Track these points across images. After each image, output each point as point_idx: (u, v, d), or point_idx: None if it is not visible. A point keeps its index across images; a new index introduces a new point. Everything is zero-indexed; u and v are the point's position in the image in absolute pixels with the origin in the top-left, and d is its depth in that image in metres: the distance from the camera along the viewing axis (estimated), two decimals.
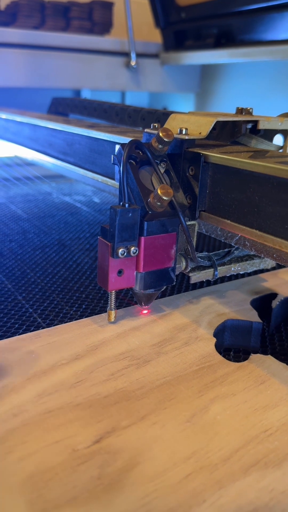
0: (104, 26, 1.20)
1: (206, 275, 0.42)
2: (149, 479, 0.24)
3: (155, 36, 1.20)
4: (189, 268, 0.41)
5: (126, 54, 1.16)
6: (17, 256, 0.62)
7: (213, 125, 0.36)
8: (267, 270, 0.51)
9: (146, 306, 0.41)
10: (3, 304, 0.47)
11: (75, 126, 0.52)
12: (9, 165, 1.07)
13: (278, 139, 0.44)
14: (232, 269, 0.44)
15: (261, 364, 0.34)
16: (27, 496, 0.23)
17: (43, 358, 0.34)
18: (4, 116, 0.77)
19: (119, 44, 1.15)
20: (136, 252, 0.35)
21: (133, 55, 1.14)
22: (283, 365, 0.34)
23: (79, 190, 1.03)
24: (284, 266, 0.54)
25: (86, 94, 1.33)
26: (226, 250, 0.44)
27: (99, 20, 1.18)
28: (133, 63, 1.14)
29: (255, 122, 0.40)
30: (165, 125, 0.40)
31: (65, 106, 0.78)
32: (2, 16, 1.14)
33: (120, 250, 0.35)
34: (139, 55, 1.16)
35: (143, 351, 0.35)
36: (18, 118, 0.70)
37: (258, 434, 0.27)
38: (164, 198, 0.33)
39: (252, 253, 0.45)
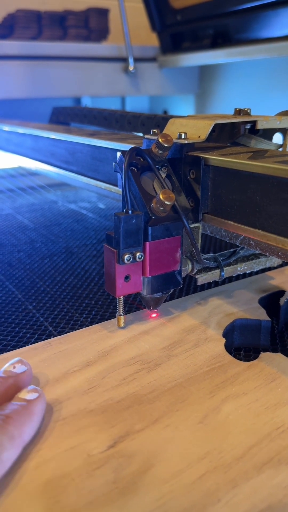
0: (100, 33, 1.21)
1: (212, 276, 0.43)
2: (163, 481, 0.24)
3: (153, 40, 1.21)
4: (195, 270, 0.42)
5: (124, 60, 1.16)
6: (26, 266, 0.63)
7: (211, 128, 0.37)
8: (274, 268, 0.51)
9: (155, 310, 0.41)
10: (14, 314, 0.48)
11: (76, 135, 0.53)
12: (13, 176, 1.09)
13: (278, 138, 0.44)
14: (239, 268, 0.44)
15: (271, 362, 0.34)
16: (44, 503, 0.23)
17: (55, 366, 0.34)
18: (6, 128, 0.78)
19: (116, 50, 1.16)
20: (141, 257, 0.36)
21: (131, 60, 1.15)
22: None
23: (84, 197, 1.04)
24: None
25: (86, 102, 1.34)
26: (231, 250, 0.45)
27: (95, 27, 1.19)
28: (131, 68, 1.15)
29: (254, 122, 0.41)
30: (164, 130, 0.41)
31: (65, 115, 0.79)
32: (0, 29, 1.16)
33: (126, 256, 0.35)
34: (137, 60, 1.17)
35: (154, 354, 0.36)
36: (20, 130, 0.71)
37: (270, 432, 0.27)
38: (167, 203, 0.33)
39: (257, 252, 0.45)
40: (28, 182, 1.07)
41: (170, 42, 1.14)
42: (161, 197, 0.33)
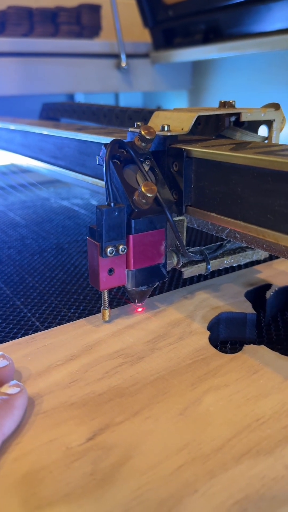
0: (93, 29, 1.20)
1: (198, 269, 0.42)
2: (141, 472, 0.24)
3: (145, 36, 1.21)
4: (181, 263, 0.42)
5: (117, 56, 1.16)
6: (15, 262, 0.62)
7: (194, 120, 0.37)
8: (261, 261, 0.51)
9: (140, 304, 0.41)
10: (1, 310, 0.48)
11: (64, 130, 0.53)
12: (5, 174, 1.08)
13: (263, 130, 0.44)
14: (225, 262, 0.44)
15: (254, 354, 0.34)
16: (21, 495, 0.23)
17: (39, 360, 0.34)
18: None
19: (108, 46, 1.15)
20: (124, 250, 0.36)
21: (123, 56, 1.14)
22: (276, 354, 0.34)
23: (77, 193, 1.04)
24: (278, 256, 0.54)
25: (79, 98, 1.33)
26: (218, 243, 0.45)
27: (87, 23, 1.19)
28: (123, 64, 1.14)
29: (238, 115, 0.41)
30: (149, 123, 0.41)
31: (55, 111, 0.78)
32: None
33: (108, 249, 0.35)
34: (129, 56, 1.16)
35: (137, 348, 0.36)
36: (10, 126, 0.71)
37: (250, 423, 0.27)
38: (148, 195, 0.33)
39: (244, 245, 0.45)
40: (20, 180, 1.06)
41: (162, 38, 1.14)
42: (143, 190, 0.33)
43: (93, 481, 0.24)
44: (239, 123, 0.42)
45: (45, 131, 0.58)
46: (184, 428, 0.27)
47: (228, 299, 0.43)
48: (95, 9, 1.19)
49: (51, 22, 1.18)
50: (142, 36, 1.22)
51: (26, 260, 0.63)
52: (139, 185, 0.36)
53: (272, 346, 0.36)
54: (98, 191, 0.54)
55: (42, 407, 0.29)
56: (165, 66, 1.20)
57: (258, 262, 0.53)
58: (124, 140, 0.36)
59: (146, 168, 0.37)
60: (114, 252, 0.35)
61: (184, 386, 0.31)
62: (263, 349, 0.35)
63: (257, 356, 0.34)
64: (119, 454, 0.25)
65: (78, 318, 0.45)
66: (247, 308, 0.42)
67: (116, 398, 0.30)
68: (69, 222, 0.82)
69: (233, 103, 0.41)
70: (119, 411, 0.29)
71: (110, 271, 0.37)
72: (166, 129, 0.37)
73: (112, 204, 0.34)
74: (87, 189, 0.57)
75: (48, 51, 1.11)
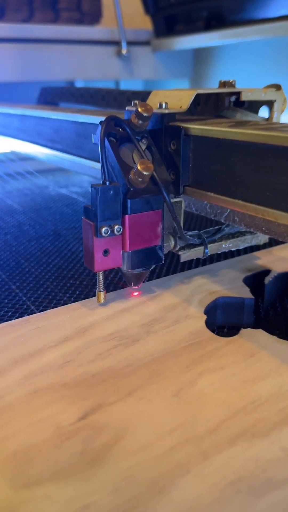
0: (93, 16, 1.19)
1: (196, 253, 0.42)
2: (132, 453, 0.23)
3: (147, 24, 1.19)
4: (178, 246, 0.41)
5: (117, 43, 1.14)
6: (12, 248, 0.62)
7: (193, 97, 0.36)
8: (260, 247, 0.50)
9: (136, 287, 0.41)
10: None
11: (60, 112, 0.52)
12: (3, 162, 1.07)
13: (264, 111, 0.43)
14: (223, 246, 0.43)
15: (252, 338, 0.33)
16: (9, 474, 0.22)
17: (32, 341, 0.34)
18: None
19: (109, 33, 1.14)
20: (120, 230, 0.35)
21: (123, 44, 1.13)
22: (274, 338, 0.33)
23: (75, 182, 1.03)
24: (277, 243, 0.53)
25: (79, 86, 1.32)
26: (216, 227, 0.44)
27: (88, 10, 1.17)
28: (124, 51, 1.13)
29: (238, 94, 0.40)
30: (147, 102, 0.40)
31: (54, 95, 0.77)
32: None
33: (103, 229, 0.34)
34: (130, 43, 1.15)
35: (132, 331, 0.35)
36: (7, 110, 0.69)
37: (246, 406, 0.27)
38: (145, 173, 0.32)
39: (243, 229, 0.44)
40: (17, 169, 1.05)
41: (164, 25, 1.12)
42: (139, 167, 0.32)
43: (83, 461, 0.23)
44: (239, 103, 0.41)
45: (43, 114, 0.57)
46: (177, 410, 0.26)
47: (226, 284, 0.42)
48: None
49: (51, 8, 1.16)
50: (143, 23, 1.20)
51: (22, 246, 0.62)
52: (135, 163, 0.35)
53: (270, 331, 0.35)
54: (97, 176, 0.53)
55: (34, 387, 0.28)
56: (166, 54, 1.19)
57: (257, 248, 0.52)
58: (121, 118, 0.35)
59: (143, 147, 0.36)
60: (109, 232, 0.34)
61: (178, 368, 0.30)
62: (260, 333, 0.34)
63: (254, 339, 0.33)
64: (110, 434, 0.25)
65: (74, 302, 0.44)
66: (245, 293, 0.41)
67: (110, 379, 0.29)
68: (67, 210, 0.81)
69: (233, 83, 0.40)
70: (112, 391, 0.28)
71: (105, 252, 0.36)
72: (164, 106, 0.36)
73: (107, 182, 0.34)
74: (84, 174, 0.56)
75: (48, 37, 1.09)
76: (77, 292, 0.47)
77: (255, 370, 0.30)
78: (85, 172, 0.54)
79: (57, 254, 0.59)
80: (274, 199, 0.29)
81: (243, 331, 0.34)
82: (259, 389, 0.28)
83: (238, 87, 0.41)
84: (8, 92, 1.21)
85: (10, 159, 1.06)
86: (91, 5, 1.19)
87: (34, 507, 0.21)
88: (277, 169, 0.28)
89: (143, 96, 0.51)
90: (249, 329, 0.35)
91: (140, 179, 0.33)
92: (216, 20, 1.00)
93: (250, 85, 0.41)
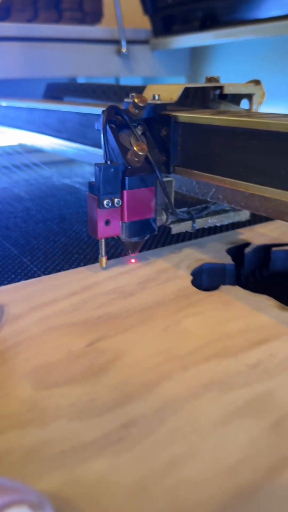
0: (94, 16, 1.25)
1: (185, 226, 0.48)
2: (128, 366, 0.30)
3: (145, 23, 1.25)
4: (170, 221, 0.47)
5: (117, 42, 1.21)
6: (21, 229, 0.68)
7: (182, 90, 0.42)
8: (243, 224, 0.56)
9: (134, 255, 0.47)
10: (10, 265, 0.54)
11: (66, 105, 0.58)
12: (10, 154, 1.14)
13: (246, 104, 0.49)
14: (209, 221, 0.50)
15: (229, 292, 0.40)
16: (31, 381, 0.29)
17: (45, 295, 0.40)
18: (4, 103, 0.83)
19: (109, 32, 1.20)
20: (119, 203, 0.41)
21: (123, 43, 1.19)
22: (248, 292, 0.40)
23: (78, 172, 1.09)
24: (260, 221, 0.59)
25: (81, 82, 1.38)
26: (203, 205, 0.50)
27: (89, 10, 1.23)
28: (124, 50, 1.19)
29: (221, 88, 0.46)
30: (143, 94, 0.46)
31: (58, 91, 0.84)
32: None
33: (105, 201, 0.41)
34: (129, 42, 1.21)
35: (130, 287, 0.41)
36: (16, 104, 0.76)
37: (220, 337, 0.33)
38: (140, 153, 0.39)
39: (227, 207, 0.51)
40: (23, 160, 1.12)
41: (162, 25, 1.18)
42: (135, 149, 0.39)
43: (90, 371, 0.29)
44: (223, 96, 0.47)
45: (50, 106, 0.63)
46: (165, 339, 0.33)
47: (211, 253, 0.49)
48: None
49: (54, 8, 1.22)
50: (142, 23, 1.26)
51: (31, 227, 0.69)
52: (132, 146, 0.41)
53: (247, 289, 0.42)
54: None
55: (49, 324, 0.35)
56: (164, 52, 1.25)
57: (241, 225, 0.59)
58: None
59: (139, 132, 0.43)
60: (110, 204, 0.41)
61: (167, 313, 0.37)
62: (236, 288, 0.41)
63: (231, 293, 0.40)
64: (111, 355, 0.31)
65: None
66: (228, 261, 0.47)
67: (110, 320, 0.36)
68: (71, 197, 0.88)
69: (218, 78, 0.47)
70: (112, 328, 0.34)
71: (107, 222, 0.42)
72: (157, 98, 0.42)
73: (108, 162, 0.40)
74: (87, 163, 0.62)
75: (51, 36, 1.15)
76: (82, 264, 0.53)
77: (229, 314, 0.36)
78: (87, 159, 0.60)
79: (62, 234, 0.66)
80: (245, 173, 0.35)
81: (223, 287, 0.41)
82: (232, 326, 0.35)
83: (229, 82, 0.47)
84: (15, 88, 1.27)
85: (17, 152, 1.12)
86: (92, 5, 1.25)
87: (52, 401, 0.27)
88: (247, 148, 0.35)
89: (140, 90, 0.58)
90: (227, 286, 0.41)
91: (136, 159, 0.39)
92: (210, 21, 1.07)
93: (243, 81, 0.48)
